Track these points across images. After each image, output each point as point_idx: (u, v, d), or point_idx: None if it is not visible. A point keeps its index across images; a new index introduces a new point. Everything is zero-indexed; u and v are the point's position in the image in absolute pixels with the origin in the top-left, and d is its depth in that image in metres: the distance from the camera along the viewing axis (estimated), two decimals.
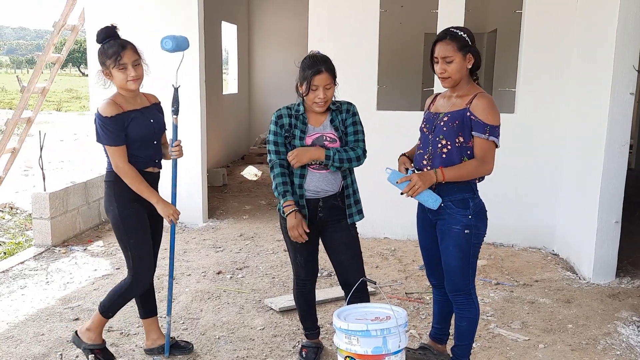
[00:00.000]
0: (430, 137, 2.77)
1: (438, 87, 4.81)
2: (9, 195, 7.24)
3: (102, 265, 4.66)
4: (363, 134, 2.96)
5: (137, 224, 2.93)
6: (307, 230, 2.82)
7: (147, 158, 2.95)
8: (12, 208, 6.83)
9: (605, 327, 3.60)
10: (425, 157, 2.77)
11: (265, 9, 10.89)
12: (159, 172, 3.06)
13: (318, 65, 2.78)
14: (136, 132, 2.86)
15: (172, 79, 3.05)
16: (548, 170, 5.18)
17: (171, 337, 3.24)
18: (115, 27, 2.89)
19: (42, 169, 5.21)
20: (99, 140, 2.89)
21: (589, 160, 4.54)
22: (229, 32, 10.12)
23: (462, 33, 2.69)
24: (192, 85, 5.73)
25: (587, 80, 4.69)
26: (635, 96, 9.82)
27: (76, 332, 3.11)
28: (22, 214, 6.60)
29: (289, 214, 2.81)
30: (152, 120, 2.94)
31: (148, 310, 3.19)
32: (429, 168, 2.73)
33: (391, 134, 5.14)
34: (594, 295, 4.11)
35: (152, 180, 3.00)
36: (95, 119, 2.85)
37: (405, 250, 5.07)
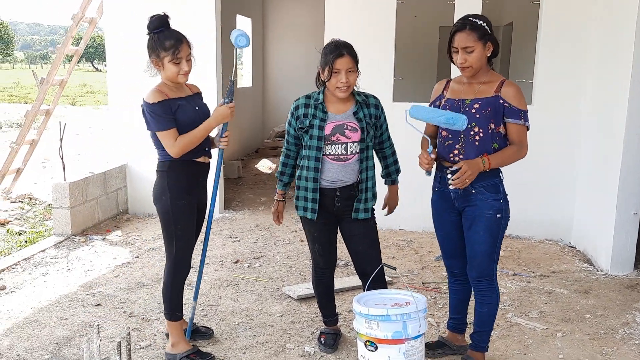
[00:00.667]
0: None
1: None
2: (28, 186, 7.34)
3: (122, 254, 4.73)
4: (388, 127, 3.06)
5: (186, 216, 2.96)
6: (281, 221, 3.16)
7: (199, 147, 2.95)
8: (31, 199, 6.92)
9: (624, 317, 3.59)
10: (457, 146, 2.75)
11: (279, 2, 10.91)
12: (209, 162, 3.08)
13: (340, 49, 2.79)
14: (184, 118, 2.88)
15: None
16: (565, 162, 5.15)
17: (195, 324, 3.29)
18: (168, 16, 2.90)
19: (62, 159, 5.29)
20: (149, 127, 2.90)
21: (607, 152, 4.52)
22: (243, 26, 10.15)
23: (481, 22, 2.69)
24: (209, 78, 5.77)
25: (606, 71, 4.66)
26: None
27: (166, 353, 3.05)
28: (41, 205, 6.69)
29: (275, 200, 3.13)
30: (197, 108, 2.96)
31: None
32: (461, 157, 2.73)
33: (407, 126, 5.13)
34: (612, 286, 4.10)
35: (203, 171, 3.03)
36: (142, 109, 2.88)
37: (421, 241, 5.08)
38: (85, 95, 25.72)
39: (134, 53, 5.68)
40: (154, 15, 2.90)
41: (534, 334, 3.35)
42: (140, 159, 5.89)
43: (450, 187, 2.73)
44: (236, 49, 3.07)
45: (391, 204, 3.18)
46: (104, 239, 5.13)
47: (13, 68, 55.82)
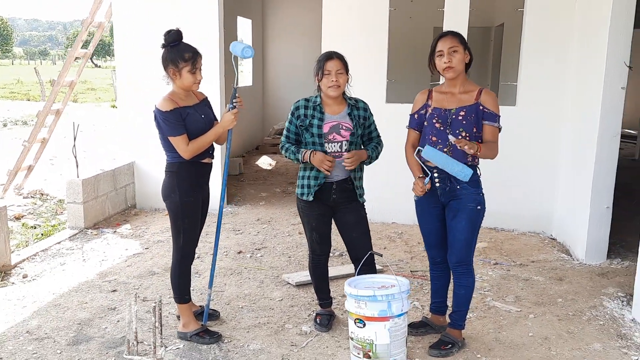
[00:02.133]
0: (448, 131, 3.09)
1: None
2: (39, 183, 7.69)
3: (132, 245, 5.08)
4: (376, 127, 3.43)
5: (193, 211, 3.31)
6: (333, 159, 3.17)
7: (204, 149, 3.30)
8: (42, 194, 7.27)
9: (592, 301, 3.95)
10: (445, 150, 3.10)
11: (279, 4, 11.24)
12: (212, 162, 3.42)
13: (330, 54, 3.25)
14: (192, 126, 3.22)
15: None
16: (547, 159, 5.51)
17: (200, 306, 3.65)
18: (181, 32, 3.22)
19: (75, 157, 5.63)
20: (162, 133, 3.22)
21: (584, 150, 4.87)
22: (244, 27, 10.48)
23: (460, 34, 3.07)
24: (213, 78, 6.10)
25: (583, 75, 5.01)
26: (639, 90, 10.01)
27: (178, 332, 3.40)
28: (52, 200, 7.04)
29: (310, 154, 3.18)
30: (202, 116, 3.28)
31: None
32: None
33: (399, 126, 5.44)
34: (585, 274, 4.47)
35: (207, 171, 3.38)
36: (155, 116, 3.21)
37: (411, 233, 5.44)
38: (87, 92, 26.02)
39: (142, 57, 6.04)
40: (170, 30, 3.23)
41: (508, 316, 3.71)
42: (147, 157, 6.24)
43: (459, 146, 2.97)
44: (237, 58, 3.41)
45: (352, 157, 3.20)
46: (114, 232, 5.48)
47: (12, 64, 56.10)
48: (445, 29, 5.53)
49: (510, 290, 4.13)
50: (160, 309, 2.41)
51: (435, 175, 3.14)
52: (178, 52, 3.17)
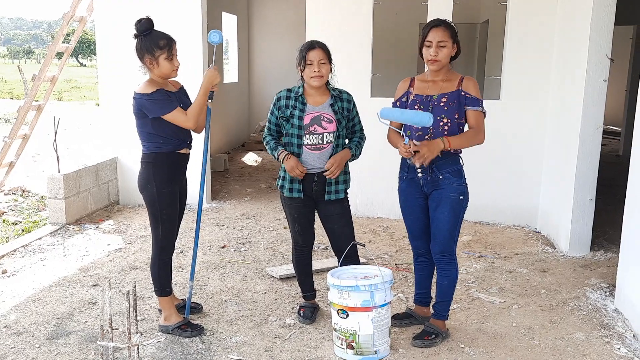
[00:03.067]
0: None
1: None
2: (20, 180, 7.58)
3: (115, 240, 5.02)
4: (360, 120, 3.40)
5: (170, 202, 3.27)
6: (304, 169, 3.18)
7: (181, 140, 3.26)
8: (23, 191, 7.16)
9: (575, 292, 3.97)
10: (427, 137, 3.07)
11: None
12: (189, 153, 3.37)
13: (312, 43, 3.20)
14: None
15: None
16: (531, 153, 5.53)
17: (182, 299, 3.61)
18: (152, 19, 3.18)
19: (56, 152, 5.55)
20: (153, 114, 3.11)
21: (567, 144, 4.90)
22: (229, 23, 10.42)
23: (453, 25, 3.05)
24: (196, 75, 6.05)
25: (565, 69, 5.04)
26: (624, 85, 10.16)
27: (159, 325, 3.36)
28: (34, 197, 6.94)
29: (284, 158, 3.20)
30: (181, 105, 3.23)
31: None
32: None
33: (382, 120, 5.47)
34: (568, 265, 4.48)
35: (184, 162, 3.34)
36: (138, 101, 3.13)
37: (396, 227, 5.43)
38: (71, 91, 25.75)
39: (124, 51, 5.97)
40: (140, 19, 3.17)
41: (492, 307, 3.72)
42: (130, 152, 6.17)
43: (414, 164, 3.01)
44: (215, 48, 3.37)
45: (335, 165, 3.20)
46: (97, 227, 5.41)
47: None
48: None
49: (494, 282, 4.14)
50: (135, 295, 2.36)
51: (417, 166, 3.12)
52: (152, 40, 3.13)
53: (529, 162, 5.55)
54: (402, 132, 3.15)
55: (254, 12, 11.22)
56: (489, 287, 4.04)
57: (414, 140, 3.02)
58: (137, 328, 2.45)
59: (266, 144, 3.33)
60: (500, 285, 4.06)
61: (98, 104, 18.91)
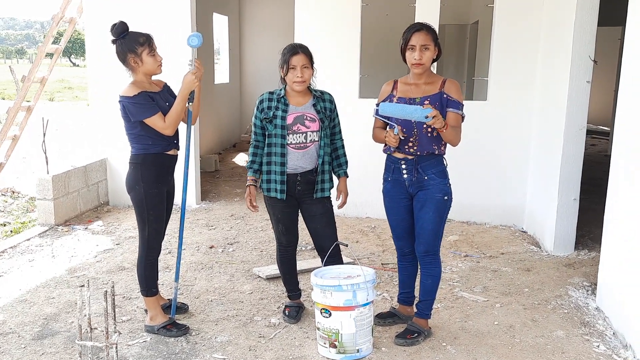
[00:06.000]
0: (412, 122, 3.09)
1: None
2: (10, 181, 7.58)
3: (103, 241, 5.04)
4: (340, 122, 3.46)
5: (158, 203, 3.29)
6: (255, 204, 3.35)
7: (169, 141, 3.28)
8: (13, 192, 7.17)
9: (558, 290, 4.02)
10: (411, 139, 3.11)
11: (256, 0, 11.21)
12: (177, 154, 3.40)
13: (295, 48, 3.23)
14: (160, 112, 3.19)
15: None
16: (517, 153, 5.59)
17: (168, 299, 3.63)
18: (126, 22, 3.21)
19: (45, 153, 5.56)
20: (134, 118, 3.15)
21: (551, 144, 4.95)
22: (220, 24, 10.44)
23: (434, 29, 3.09)
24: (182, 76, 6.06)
25: (550, 70, 5.09)
26: (612, 86, 10.22)
27: (145, 325, 3.39)
28: (24, 198, 6.94)
29: (246, 185, 3.37)
30: (167, 104, 3.26)
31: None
32: (415, 149, 3.12)
33: (371, 120, 5.51)
34: (552, 264, 4.54)
35: (172, 163, 3.36)
36: (122, 105, 3.17)
37: (384, 227, 5.46)
38: (64, 91, 25.70)
39: (113, 52, 5.97)
40: (114, 24, 3.21)
41: (475, 305, 3.76)
42: (120, 153, 6.18)
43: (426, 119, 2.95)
44: (194, 51, 3.39)
45: (344, 194, 3.49)
46: (86, 228, 5.43)
47: None
48: None
49: (478, 281, 4.19)
50: (113, 294, 2.39)
51: (403, 166, 3.17)
52: (132, 40, 3.17)
53: (515, 162, 5.60)
54: (388, 126, 3.17)
55: (245, 13, 11.24)
56: (473, 286, 4.09)
57: (402, 128, 3.07)
58: (115, 327, 2.47)
59: (250, 160, 3.40)
60: (484, 285, 4.11)
61: (90, 105, 18.93)
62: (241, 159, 9.30)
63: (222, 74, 11.00)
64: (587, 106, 4.68)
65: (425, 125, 3.07)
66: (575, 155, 4.73)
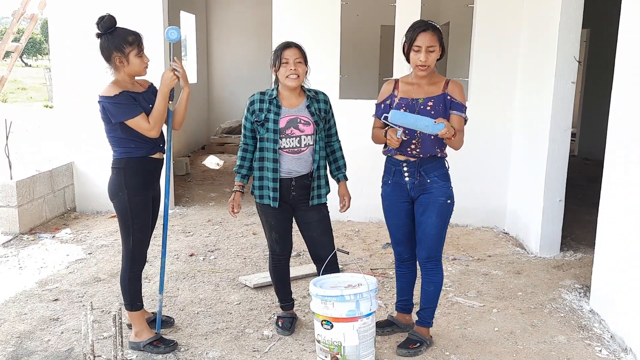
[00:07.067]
0: None
1: (398, 76, 5.09)
2: None
3: (74, 251, 4.74)
4: (335, 123, 3.29)
5: (143, 210, 3.06)
6: (237, 211, 3.20)
7: (154, 143, 3.06)
8: None
9: (551, 293, 3.98)
10: (414, 141, 2.98)
11: None
12: (163, 158, 3.18)
13: (288, 43, 3.08)
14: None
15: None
16: (499, 155, 5.56)
17: (152, 313, 3.41)
18: (114, 16, 2.97)
19: (7, 156, 5.21)
20: (115, 119, 2.92)
21: (535, 145, 4.93)
22: (187, 22, 10.15)
23: (439, 28, 2.96)
24: (159, 74, 5.81)
25: (533, 71, 5.08)
26: (578, 87, 10.44)
27: (130, 342, 3.14)
28: None
29: (232, 190, 3.22)
30: (150, 106, 3.04)
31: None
32: (417, 151, 2.98)
33: (353, 121, 5.37)
34: (541, 267, 4.51)
35: (158, 167, 3.14)
36: (102, 105, 2.93)
37: (368, 231, 5.36)
38: (17, 92, 24.65)
39: (79, 51, 5.68)
40: (103, 17, 2.96)
41: (472, 311, 3.67)
42: (87, 156, 5.87)
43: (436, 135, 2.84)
44: (172, 45, 3.19)
45: (347, 198, 3.33)
46: (53, 236, 5.11)
47: None
48: (397, 25, 5.48)
49: (471, 285, 4.11)
50: (120, 317, 2.17)
51: (405, 169, 3.04)
52: (120, 37, 2.93)
53: (496, 163, 5.57)
54: (389, 127, 3.02)
55: (212, 11, 10.97)
56: (467, 290, 4.00)
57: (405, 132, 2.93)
58: (122, 355, 2.25)
59: (238, 164, 3.22)
60: (477, 289, 4.03)
61: (47, 106, 18.21)
62: (211, 161, 9.04)
63: (189, 74, 10.69)
64: (572, 107, 4.67)
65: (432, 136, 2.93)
66: (560, 156, 4.72)
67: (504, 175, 5.57)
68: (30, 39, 40.66)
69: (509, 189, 5.56)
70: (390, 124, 2.94)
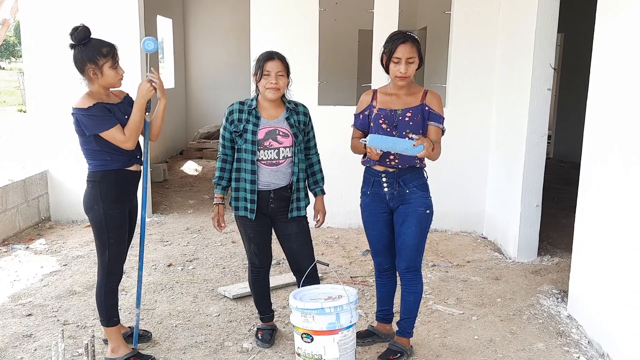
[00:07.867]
0: (394, 133, 2.96)
1: (376, 83, 5.10)
2: None
3: (48, 262, 4.64)
4: (315, 135, 3.27)
5: (119, 224, 3.00)
6: (223, 225, 3.18)
7: (130, 155, 3.00)
8: None
9: (529, 299, 4.01)
10: (393, 153, 2.96)
11: (200, 3, 10.86)
12: (141, 170, 3.11)
13: (271, 54, 3.03)
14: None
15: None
16: (476, 160, 5.60)
17: (129, 327, 3.34)
18: (89, 27, 2.91)
19: None
20: (90, 132, 2.86)
21: (512, 150, 4.97)
22: (164, 26, 10.05)
23: (417, 38, 2.96)
24: (133, 80, 5.72)
25: (510, 77, 5.12)
26: (553, 89, 10.60)
27: (106, 358, 3.08)
28: None
29: (214, 204, 3.20)
30: (126, 117, 2.98)
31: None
32: (396, 162, 2.98)
33: (331, 128, 5.35)
34: (519, 272, 4.54)
35: (135, 180, 3.08)
36: (75, 117, 2.87)
37: (347, 237, 5.34)
38: None
39: (53, 56, 5.57)
40: (77, 27, 2.89)
41: (452, 319, 3.68)
42: (62, 164, 5.76)
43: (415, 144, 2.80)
44: (148, 55, 3.13)
45: (322, 214, 3.33)
46: (27, 247, 5.00)
47: None
48: (375, 31, 5.48)
49: (450, 292, 4.12)
50: (93, 346, 2.12)
51: (384, 179, 3.04)
52: (94, 49, 2.87)
53: (474, 169, 5.61)
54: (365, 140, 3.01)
55: (189, 15, 10.87)
56: (446, 298, 4.02)
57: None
58: None
59: (217, 176, 3.17)
60: (457, 296, 4.04)
61: (21, 110, 17.84)
62: (190, 167, 8.96)
63: (166, 79, 10.59)
64: (548, 113, 4.73)
65: (407, 139, 2.92)
66: (537, 161, 4.76)
67: (482, 180, 5.61)
68: (3, 41, 39.92)
69: (487, 193, 5.60)
70: (367, 147, 2.93)
